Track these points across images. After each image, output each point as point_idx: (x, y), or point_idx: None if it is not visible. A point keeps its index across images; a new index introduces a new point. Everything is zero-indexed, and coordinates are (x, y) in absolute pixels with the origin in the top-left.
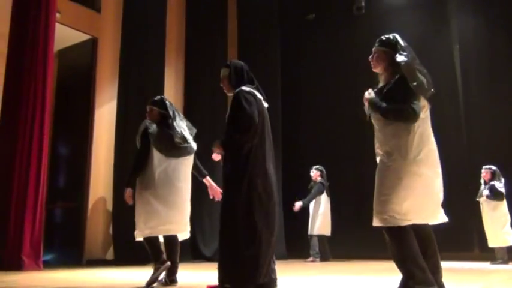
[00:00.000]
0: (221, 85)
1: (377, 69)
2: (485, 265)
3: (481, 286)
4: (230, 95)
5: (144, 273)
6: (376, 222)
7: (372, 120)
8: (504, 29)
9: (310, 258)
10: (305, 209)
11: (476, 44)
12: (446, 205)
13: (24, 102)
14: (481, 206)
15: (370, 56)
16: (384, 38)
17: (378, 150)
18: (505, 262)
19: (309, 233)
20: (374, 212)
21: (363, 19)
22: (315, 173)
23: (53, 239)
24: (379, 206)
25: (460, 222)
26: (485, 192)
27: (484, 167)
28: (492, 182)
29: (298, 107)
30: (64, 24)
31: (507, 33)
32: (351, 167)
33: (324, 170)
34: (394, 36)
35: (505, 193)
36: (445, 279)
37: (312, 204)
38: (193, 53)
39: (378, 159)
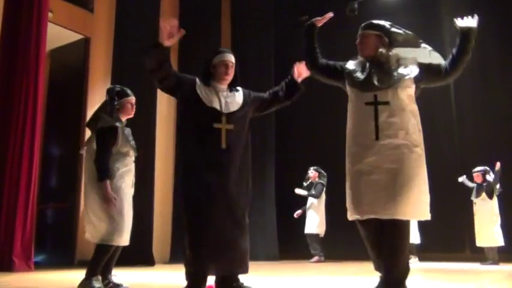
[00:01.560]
0: (229, 72)
1: (366, 54)
2: (476, 266)
3: (473, 287)
4: (225, 85)
5: (135, 274)
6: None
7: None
8: (496, 32)
9: (315, 258)
10: (300, 209)
11: None
12: (438, 206)
13: (16, 101)
14: (474, 205)
15: (358, 40)
16: (375, 22)
17: (393, 132)
18: (496, 263)
19: (305, 231)
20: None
21: (355, 21)
22: (313, 174)
23: (44, 239)
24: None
25: (451, 223)
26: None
27: (473, 170)
28: (486, 182)
29: (292, 108)
30: (56, 24)
31: (499, 37)
32: (344, 167)
33: (322, 171)
34: (389, 23)
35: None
36: (438, 279)
37: (309, 204)
38: (187, 53)
39: (388, 141)
